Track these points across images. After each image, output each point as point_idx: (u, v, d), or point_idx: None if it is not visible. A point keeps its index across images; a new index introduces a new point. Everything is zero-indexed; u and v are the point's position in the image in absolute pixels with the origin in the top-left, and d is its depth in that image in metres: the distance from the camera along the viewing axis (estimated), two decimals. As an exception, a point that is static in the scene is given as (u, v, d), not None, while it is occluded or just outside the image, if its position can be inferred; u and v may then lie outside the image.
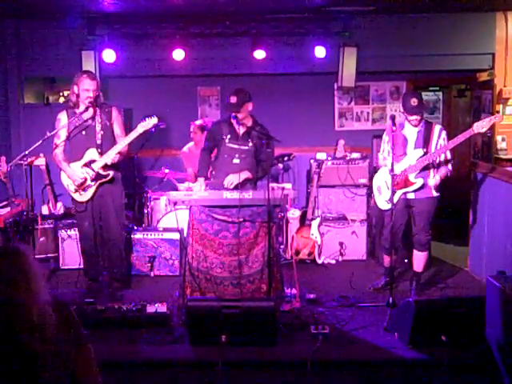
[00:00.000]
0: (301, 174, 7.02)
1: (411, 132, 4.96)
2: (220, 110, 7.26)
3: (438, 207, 5.07)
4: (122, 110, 5.71)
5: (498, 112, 6.78)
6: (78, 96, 4.94)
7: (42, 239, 5.97)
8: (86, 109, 4.93)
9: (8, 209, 5.42)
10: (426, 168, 4.91)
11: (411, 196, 4.96)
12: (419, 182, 4.89)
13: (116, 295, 5.08)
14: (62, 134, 5.00)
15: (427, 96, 8.56)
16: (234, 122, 4.89)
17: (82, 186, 5.00)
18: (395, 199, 4.84)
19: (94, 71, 6.28)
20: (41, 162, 5.91)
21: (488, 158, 6.98)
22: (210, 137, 5.06)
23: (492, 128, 4.62)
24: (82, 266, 5.38)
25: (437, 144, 4.91)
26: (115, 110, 5.10)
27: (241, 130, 4.90)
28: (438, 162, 4.93)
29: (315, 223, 6.17)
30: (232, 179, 4.79)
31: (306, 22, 6.75)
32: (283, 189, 4.79)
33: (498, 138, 6.96)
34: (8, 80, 7.05)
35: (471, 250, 5.92)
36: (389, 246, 5.10)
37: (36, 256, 5.10)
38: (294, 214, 6.29)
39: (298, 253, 6.11)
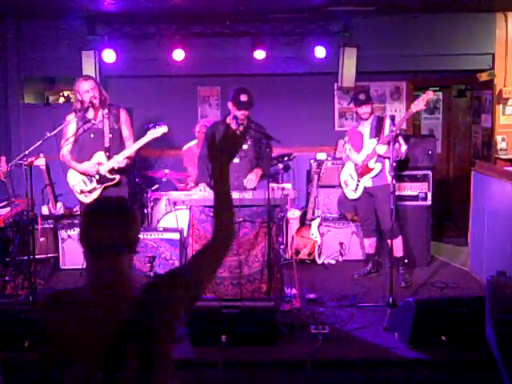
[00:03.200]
0: (301, 174, 7.01)
1: (365, 127, 5.50)
2: (220, 109, 7.25)
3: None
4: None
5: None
6: (82, 102, 4.87)
7: (42, 239, 5.96)
8: (87, 108, 4.90)
9: (8, 209, 5.41)
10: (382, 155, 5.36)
11: (369, 184, 5.40)
12: (377, 167, 5.38)
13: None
14: (69, 133, 4.95)
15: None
16: (233, 122, 4.88)
17: (88, 188, 4.98)
18: (361, 188, 5.49)
19: (94, 71, 6.31)
20: (41, 162, 5.88)
21: (488, 158, 6.98)
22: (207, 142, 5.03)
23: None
24: (82, 266, 5.38)
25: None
26: (123, 111, 5.03)
27: (239, 129, 4.90)
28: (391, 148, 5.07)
29: (315, 223, 6.17)
30: (251, 177, 4.82)
31: (305, 22, 6.75)
32: (283, 189, 4.79)
33: (498, 137, 6.95)
34: (8, 80, 7.03)
35: (471, 250, 5.91)
36: (368, 228, 5.63)
37: (36, 256, 5.09)
38: (294, 214, 6.29)
39: (298, 253, 6.10)
